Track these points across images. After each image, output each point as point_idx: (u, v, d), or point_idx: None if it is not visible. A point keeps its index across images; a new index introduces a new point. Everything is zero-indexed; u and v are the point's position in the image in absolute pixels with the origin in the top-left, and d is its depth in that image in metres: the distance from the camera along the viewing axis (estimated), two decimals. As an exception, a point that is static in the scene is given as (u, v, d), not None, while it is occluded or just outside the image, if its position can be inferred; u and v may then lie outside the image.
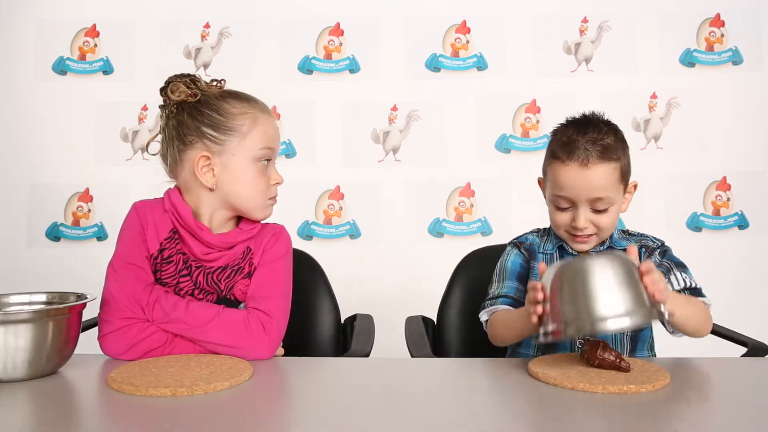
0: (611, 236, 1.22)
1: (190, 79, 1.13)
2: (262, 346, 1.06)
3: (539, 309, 0.97)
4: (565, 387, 0.89)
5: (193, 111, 1.12)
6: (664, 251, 1.23)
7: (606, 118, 1.20)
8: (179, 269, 1.12)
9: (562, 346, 1.20)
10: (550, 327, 0.96)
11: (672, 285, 1.15)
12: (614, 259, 0.96)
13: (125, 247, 1.11)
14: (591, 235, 1.17)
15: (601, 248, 1.22)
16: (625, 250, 1.22)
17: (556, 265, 0.99)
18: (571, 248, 1.22)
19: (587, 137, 1.14)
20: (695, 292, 1.15)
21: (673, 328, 1.10)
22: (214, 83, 1.16)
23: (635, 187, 1.22)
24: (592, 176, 1.12)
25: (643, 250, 1.22)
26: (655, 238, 1.25)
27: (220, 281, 1.13)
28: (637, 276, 0.95)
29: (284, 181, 1.20)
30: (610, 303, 0.92)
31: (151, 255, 1.11)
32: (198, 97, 1.12)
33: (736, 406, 0.84)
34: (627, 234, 1.27)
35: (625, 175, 1.17)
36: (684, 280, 1.16)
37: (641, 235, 1.27)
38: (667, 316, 0.95)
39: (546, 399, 0.86)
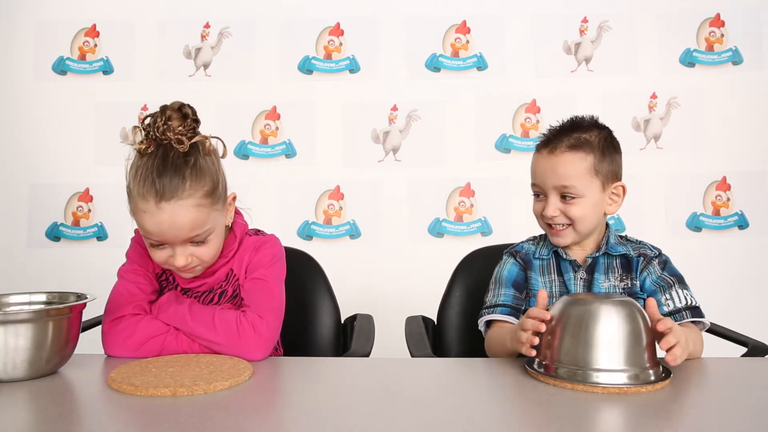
0: (607, 241, 1.21)
1: (177, 118, 1.04)
2: (250, 346, 1.06)
3: (535, 341, 0.95)
4: (565, 387, 0.90)
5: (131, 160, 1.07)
6: (664, 262, 1.21)
7: (600, 122, 1.22)
8: (180, 290, 1.17)
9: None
10: (544, 359, 0.96)
11: (674, 302, 1.15)
12: (623, 310, 0.93)
13: (132, 258, 1.18)
14: (565, 227, 1.19)
15: (597, 254, 1.21)
16: (624, 256, 1.20)
17: (564, 299, 0.98)
18: (564, 253, 1.22)
19: (565, 131, 1.19)
20: (695, 311, 1.15)
21: None
22: (185, 131, 1.04)
23: (624, 190, 1.21)
24: (558, 163, 1.16)
25: (641, 258, 1.21)
26: (653, 246, 1.24)
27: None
28: (643, 331, 0.92)
29: (193, 263, 1.08)
30: (608, 357, 0.91)
31: (156, 273, 1.18)
32: (143, 150, 1.03)
33: (736, 406, 0.84)
34: (624, 240, 1.26)
35: (601, 172, 1.18)
36: (685, 297, 1.16)
37: (639, 242, 1.25)
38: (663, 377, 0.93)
39: (546, 399, 0.86)
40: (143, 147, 1.03)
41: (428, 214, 2.56)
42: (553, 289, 1.21)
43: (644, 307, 0.97)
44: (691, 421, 0.80)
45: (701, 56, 2.57)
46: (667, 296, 1.16)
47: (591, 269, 1.20)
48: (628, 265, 1.20)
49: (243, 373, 0.94)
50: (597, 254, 1.21)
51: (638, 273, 1.19)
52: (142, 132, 1.04)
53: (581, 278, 1.20)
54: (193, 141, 1.05)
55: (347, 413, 0.80)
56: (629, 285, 1.19)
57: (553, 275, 1.22)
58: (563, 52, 2.60)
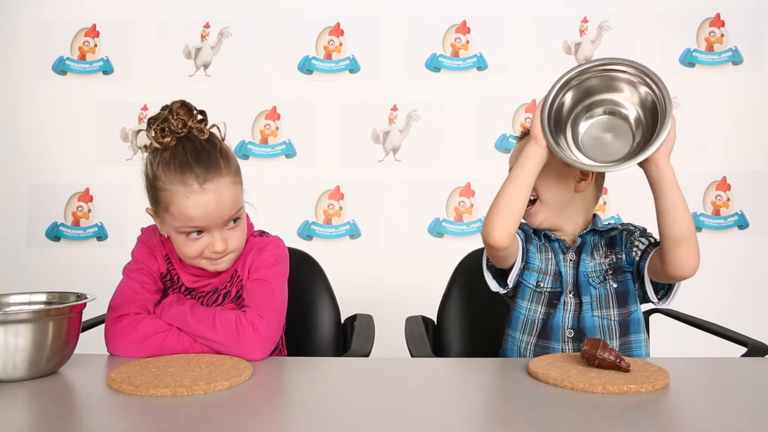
0: (594, 221, 1.27)
1: (185, 113, 1.05)
2: (250, 345, 1.05)
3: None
4: (565, 387, 0.89)
5: (149, 160, 1.08)
6: (646, 232, 1.26)
7: None
8: (183, 291, 1.18)
9: (558, 341, 1.20)
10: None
11: (638, 247, 1.20)
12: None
13: (138, 258, 1.19)
14: (533, 205, 1.25)
15: (584, 231, 1.26)
16: (610, 231, 1.26)
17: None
18: (552, 235, 1.27)
19: None
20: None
21: (661, 202, 1.11)
22: (197, 122, 1.07)
23: (592, 175, 1.25)
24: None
25: (625, 233, 1.25)
26: (637, 226, 1.29)
27: (209, 306, 1.16)
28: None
29: (229, 249, 1.10)
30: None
31: (161, 273, 1.18)
32: (158, 146, 1.05)
33: (736, 406, 0.84)
34: (611, 225, 1.30)
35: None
36: (648, 239, 1.20)
37: (625, 223, 1.31)
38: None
39: (546, 399, 0.86)
40: (167, 140, 1.05)
41: (428, 214, 2.56)
42: (549, 267, 1.25)
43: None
44: (691, 422, 0.80)
45: (701, 56, 2.57)
46: (635, 248, 1.20)
47: (579, 250, 1.25)
48: (612, 242, 1.25)
49: (243, 373, 0.94)
50: (584, 232, 1.25)
51: (624, 246, 1.23)
52: (158, 131, 1.06)
53: (570, 259, 1.24)
54: (209, 129, 1.09)
55: (347, 413, 0.80)
56: (614, 260, 1.22)
57: (550, 254, 1.26)
58: (563, 52, 2.60)
